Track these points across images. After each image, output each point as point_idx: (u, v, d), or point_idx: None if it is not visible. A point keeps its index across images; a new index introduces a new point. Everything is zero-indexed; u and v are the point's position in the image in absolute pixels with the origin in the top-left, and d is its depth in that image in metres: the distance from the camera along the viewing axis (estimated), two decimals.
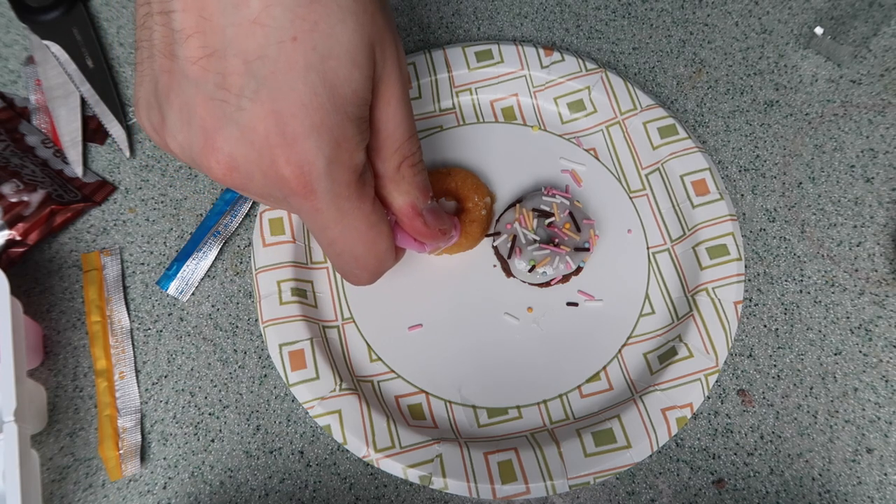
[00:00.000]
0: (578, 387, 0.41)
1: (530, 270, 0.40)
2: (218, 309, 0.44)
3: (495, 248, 0.43)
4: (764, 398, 0.41)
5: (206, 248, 0.44)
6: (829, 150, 0.47)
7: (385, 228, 0.31)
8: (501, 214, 0.43)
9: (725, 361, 0.42)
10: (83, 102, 0.47)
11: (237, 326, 0.43)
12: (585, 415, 0.41)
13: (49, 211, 0.43)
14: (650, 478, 0.40)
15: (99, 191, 0.45)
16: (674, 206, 0.44)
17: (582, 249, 0.41)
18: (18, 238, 0.43)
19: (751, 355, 0.42)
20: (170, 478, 0.40)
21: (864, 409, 0.41)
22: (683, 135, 0.45)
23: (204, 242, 0.44)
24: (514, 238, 0.41)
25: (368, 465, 0.40)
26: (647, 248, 0.44)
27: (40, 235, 0.43)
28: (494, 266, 0.44)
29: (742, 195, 0.46)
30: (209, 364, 0.42)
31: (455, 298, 0.43)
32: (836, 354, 0.42)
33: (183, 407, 0.41)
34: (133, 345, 0.43)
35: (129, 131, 0.47)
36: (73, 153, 0.46)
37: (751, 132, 0.47)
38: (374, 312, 0.43)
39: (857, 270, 0.44)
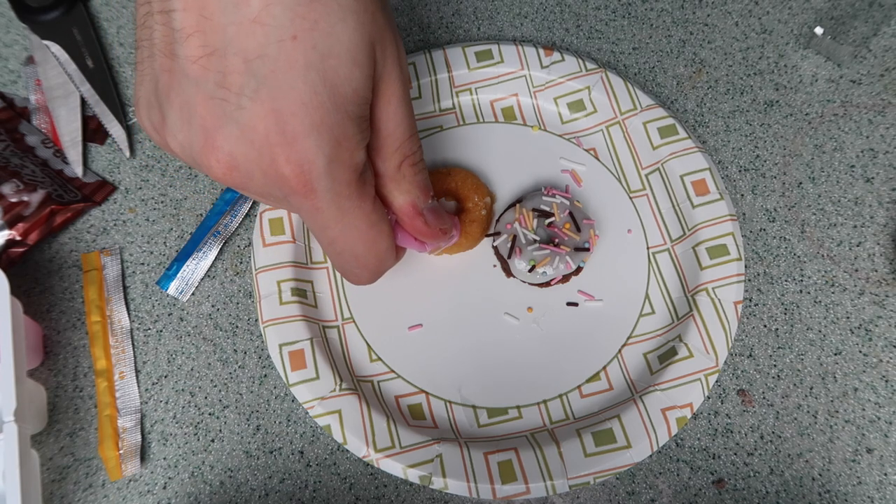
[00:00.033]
0: (578, 387, 0.41)
1: (530, 270, 0.40)
2: (218, 309, 0.44)
3: (495, 248, 0.43)
4: (764, 398, 0.41)
5: (206, 248, 0.44)
6: (829, 150, 0.47)
7: (385, 227, 0.31)
8: (501, 214, 0.43)
9: (725, 361, 0.42)
10: (83, 102, 0.47)
11: (237, 326, 0.43)
12: (585, 415, 0.41)
13: (49, 211, 0.43)
14: (650, 478, 0.40)
15: (99, 191, 0.45)
16: (674, 206, 0.44)
17: (582, 249, 0.41)
18: (18, 238, 0.43)
19: (751, 355, 0.42)
20: (170, 478, 0.40)
21: (864, 409, 0.41)
22: (683, 135, 0.45)
23: (204, 242, 0.44)
24: (514, 238, 0.41)
25: (368, 465, 0.40)
26: (647, 248, 0.44)
27: (40, 235, 0.43)
28: (494, 266, 0.44)
29: (742, 195, 0.46)
30: (209, 364, 0.42)
31: (455, 298, 0.43)
32: (836, 354, 0.42)
33: (183, 407, 0.41)
34: (133, 345, 0.43)
35: (129, 131, 0.47)
36: (73, 153, 0.46)
37: (751, 132, 0.47)
38: (374, 312, 0.43)
39: (857, 270, 0.44)
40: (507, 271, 0.43)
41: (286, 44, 0.24)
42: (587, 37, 0.51)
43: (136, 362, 0.42)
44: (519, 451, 0.39)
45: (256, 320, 0.43)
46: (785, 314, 0.43)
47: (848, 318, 0.43)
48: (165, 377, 0.42)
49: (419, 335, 0.42)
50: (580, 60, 0.47)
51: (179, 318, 0.43)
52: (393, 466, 0.38)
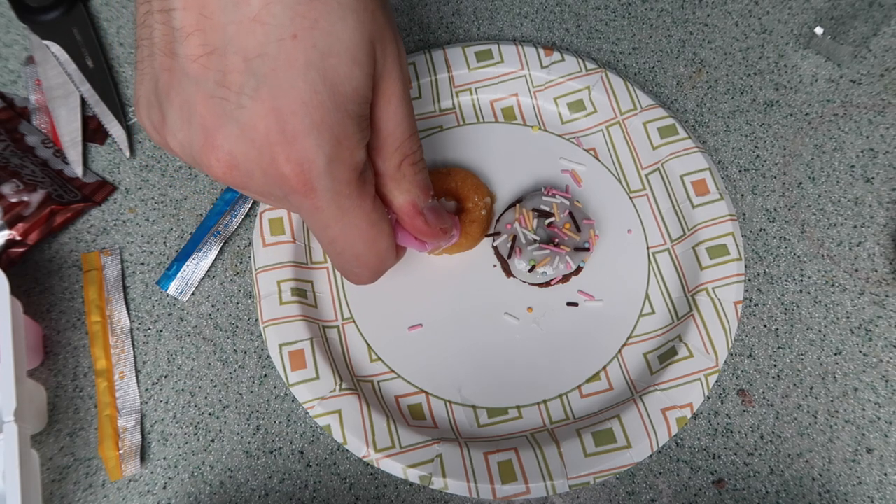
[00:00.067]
0: (578, 387, 0.41)
1: (530, 270, 0.40)
2: (218, 309, 0.44)
3: (495, 248, 0.43)
4: (764, 398, 0.41)
5: (206, 248, 0.44)
6: (829, 150, 0.47)
7: (386, 227, 0.31)
8: (501, 214, 0.43)
9: (725, 361, 0.42)
10: (83, 102, 0.47)
11: (237, 326, 0.43)
12: (585, 415, 0.41)
13: (49, 211, 0.43)
14: (650, 478, 0.40)
15: (99, 191, 0.45)
16: (674, 206, 0.44)
17: (582, 249, 0.41)
18: (18, 238, 0.43)
19: (751, 355, 0.42)
20: (170, 478, 0.40)
21: (864, 409, 0.41)
22: (683, 135, 0.45)
23: (204, 242, 0.44)
24: (514, 238, 0.41)
25: (368, 465, 0.40)
26: (647, 248, 0.44)
27: (40, 235, 0.43)
28: (494, 266, 0.44)
29: (742, 195, 0.46)
30: (209, 364, 0.42)
31: (455, 298, 0.43)
32: (836, 354, 0.42)
33: (183, 407, 0.41)
34: (133, 345, 0.43)
35: (129, 131, 0.47)
36: (73, 153, 0.46)
37: (751, 132, 0.47)
38: (374, 312, 0.43)
39: (857, 270, 0.44)
40: (507, 271, 0.43)
41: (286, 42, 0.24)
42: (587, 37, 0.51)
43: (136, 362, 0.42)
44: (519, 451, 0.39)
45: (256, 320, 0.43)
46: (785, 314, 0.43)
47: (848, 318, 0.43)
48: (165, 377, 0.42)
49: (419, 335, 0.42)
50: (580, 60, 0.47)
51: (179, 318, 0.43)
52: (393, 466, 0.38)
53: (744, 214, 0.45)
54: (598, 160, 0.46)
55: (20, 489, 0.34)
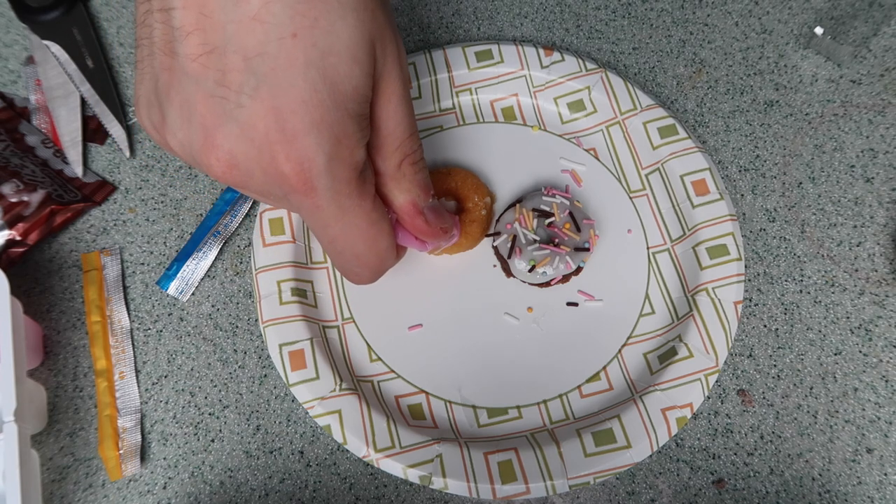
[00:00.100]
0: (578, 387, 0.41)
1: (530, 270, 0.40)
2: (218, 309, 0.44)
3: (495, 248, 0.43)
4: (764, 398, 0.41)
5: (206, 248, 0.44)
6: (829, 150, 0.47)
7: (386, 226, 0.31)
8: (501, 214, 0.43)
9: (725, 361, 0.42)
10: (83, 102, 0.47)
11: (237, 326, 0.43)
12: (585, 415, 0.41)
13: (49, 211, 0.43)
14: (650, 478, 0.40)
15: (99, 191, 0.45)
16: (674, 206, 0.44)
17: (582, 249, 0.41)
18: (18, 238, 0.43)
19: (751, 355, 0.42)
20: (170, 478, 0.40)
21: (864, 409, 0.41)
22: (683, 135, 0.45)
23: (204, 242, 0.44)
24: (514, 238, 0.41)
25: (368, 465, 0.40)
26: (647, 248, 0.44)
27: (40, 235, 0.43)
28: (494, 266, 0.44)
29: (742, 195, 0.46)
30: (209, 364, 0.42)
31: (455, 298, 0.43)
32: (836, 354, 0.42)
33: (183, 407, 0.41)
34: (133, 345, 0.43)
35: (129, 131, 0.47)
36: (73, 153, 0.46)
37: (751, 132, 0.47)
38: (374, 312, 0.43)
39: (857, 270, 0.44)
40: (507, 271, 0.43)
41: (286, 41, 0.24)
42: (587, 37, 0.51)
43: (136, 362, 0.42)
44: (519, 451, 0.39)
45: (256, 320, 0.43)
46: (785, 314, 0.43)
47: (848, 318, 0.43)
48: (165, 377, 0.42)
49: (419, 335, 0.42)
50: (580, 60, 0.47)
51: (179, 318, 0.43)
52: (393, 466, 0.38)
53: (744, 214, 0.45)
54: (598, 160, 0.46)
55: (20, 489, 0.34)
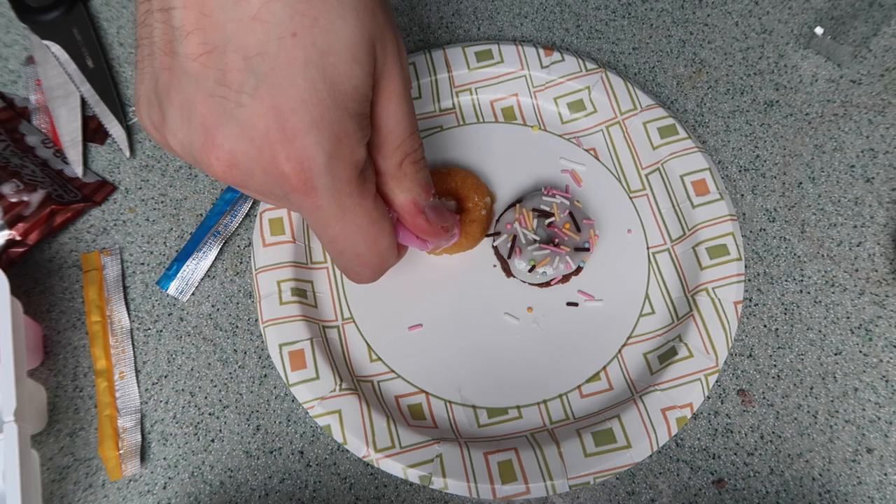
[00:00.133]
0: (578, 387, 0.41)
1: (530, 270, 0.40)
2: (218, 309, 0.44)
3: (495, 248, 0.43)
4: (764, 398, 0.41)
5: (206, 248, 0.44)
6: (829, 150, 0.47)
7: (387, 225, 0.31)
8: (501, 214, 0.43)
9: (725, 361, 0.42)
10: (83, 102, 0.47)
11: (237, 326, 0.43)
12: (585, 415, 0.41)
13: (49, 211, 0.43)
14: (650, 478, 0.40)
15: (99, 191, 0.45)
16: (674, 206, 0.44)
17: (582, 249, 0.41)
18: (18, 238, 0.43)
19: (751, 355, 0.42)
20: (170, 478, 0.40)
21: (864, 409, 0.41)
22: (683, 135, 0.45)
23: (204, 242, 0.44)
24: (514, 238, 0.41)
25: (368, 465, 0.40)
26: (647, 248, 0.44)
27: (40, 235, 0.43)
28: (494, 266, 0.44)
29: (742, 195, 0.46)
30: (209, 364, 0.42)
31: (455, 298, 0.43)
32: (836, 354, 0.42)
33: (183, 407, 0.41)
34: (133, 345, 0.43)
35: (129, 131, 0.47)
36: (73, 153, 0.46)
37: (751, 132, 0.47)
38: (374, 312, 0.43)
39: (857, 270, 0.44)
40: (507, 271, 0.43)
41: (286, 41, 0.24)
42: (587, 37, 0.51)
43: (136, 362, 0.42)
44: (519, 451, 0.39)
45: (256, 320, 0.43)
46: (785, 314, 0.43)
47: (848, 318, 0.43)
48: (165, 377, 0.42)
49: (419, 335, 0.42)
50: (580, 60, 0.47)
51: (179, 318, 0.43)
52: (393, 466, 0.38)
53: (744, 214, 0.45)
54: (598, 160, 0.46)
55: (20, 489, 0.34)
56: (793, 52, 0.50)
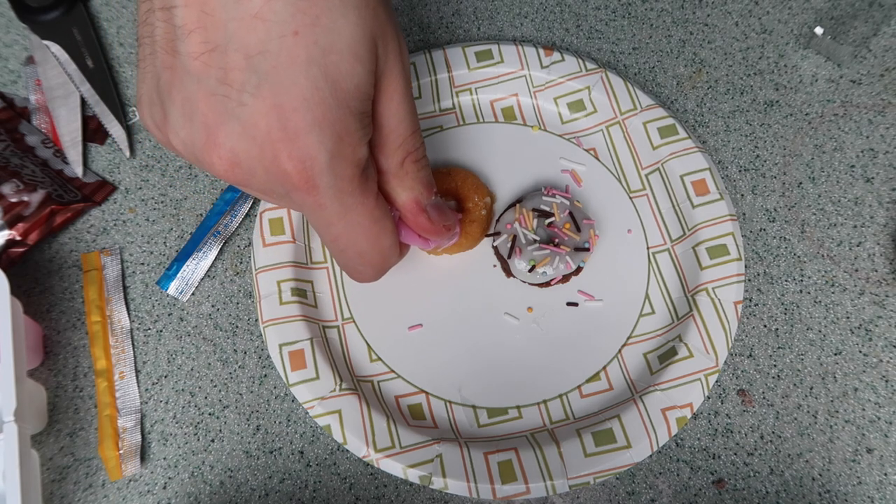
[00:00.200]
0: (578, 387, 0.41)
1: (530, 270, 0.40)
2: (218, 309, 0.43)
3: (495, 248, 0.43)
4: (764, 398, 0.41)
5: (206, 248, 0.44)
6: (829, 150, 0.47)
7: (389, 224, 0.31)
8: (501, 214, 0.43)
9: (725, 361, 0.42)
10: (83, 102, 0.47)
11: (237, 326, 0.43)
12: (585, 415, 0.41)
13: (49, 211, 0.43)
14: (650, 478, 0.40)
15: (99, 191, 0.45)
16: (674, 206, 0.44)
17: (582, 249, 0.41)
18: (18, 238, 0.43)
19: (751, 355, 0.42)
20: (170, 478, 0.40)
21: (864, 409, 0.41)
22: (683, 135, 0.45)
23: (204, 242, 0.44)
24: (514, 238, 0.41)
25: (368, 465, 0.40)
26: (647, 248, 0.44)
27: (40, 235, 0.43)
28: (494, 266, 0.44)
29: (742, 195, 0.46)
30: (209, 364, 0.42)
31: (455, 298, 0.43)
32: (836, 354, 0.42)
33: (183, 407, 0.41)
34: (133, 345, 0.43)
35: (129, 131, 0.47)
36: (73, 153, 0.45)
37: (751, 132, 0.48)
38: (374, 312, 0.43)
39: (857, 270, 0.44)
40: (507, 271, 0.43)
41: (287, 39, 0.24)
42: (587, 37, 0.51)
43: (136, 362, 0.42)
44: (519, 451, 0.39)
45: (256, 320, 0.43)
46: (785, 314, 0.43)
47: (848, 318, 0.43)
48: (165, 377, 0.42)
49: (419, 335, 0.42)
50: (580, 60, 0.47)
51: (179, 318, 0.43)
52: (393, 466, 0.38)
53: (744, 214, 0.45)
54: (598, 160, 0.46)
55: (20, 489, 0.34)
56: (793, 52, 0.50)
